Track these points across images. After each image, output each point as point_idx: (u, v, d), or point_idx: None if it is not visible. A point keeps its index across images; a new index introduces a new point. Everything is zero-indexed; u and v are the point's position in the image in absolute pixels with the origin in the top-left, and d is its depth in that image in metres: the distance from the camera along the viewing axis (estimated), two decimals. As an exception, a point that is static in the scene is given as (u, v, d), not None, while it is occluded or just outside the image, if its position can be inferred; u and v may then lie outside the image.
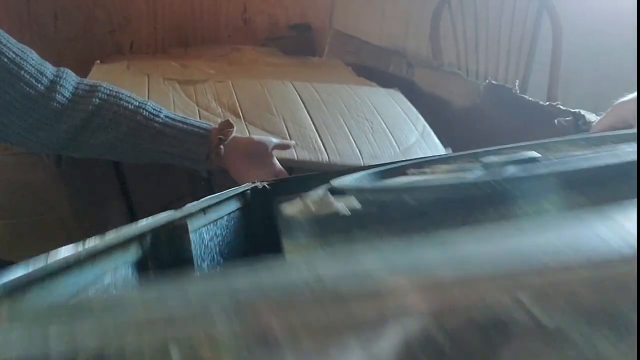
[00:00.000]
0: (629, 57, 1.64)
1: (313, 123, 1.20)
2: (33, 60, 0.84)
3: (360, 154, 1.11)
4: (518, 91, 1.43)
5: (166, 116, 0.92)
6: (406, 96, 1.73)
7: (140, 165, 1.10)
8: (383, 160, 1.09)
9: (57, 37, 1.82)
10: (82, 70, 1.82)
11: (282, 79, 1.47)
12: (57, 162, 1.01)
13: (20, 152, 1.02)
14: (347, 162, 1.07)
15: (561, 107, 1.31)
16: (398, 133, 1.23)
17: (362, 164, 1.07)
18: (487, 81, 1.51)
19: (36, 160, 1.00)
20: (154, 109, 0.92)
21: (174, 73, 1.51)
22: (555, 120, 1.27)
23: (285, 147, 1.02)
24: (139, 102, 0.91)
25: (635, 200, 0.32)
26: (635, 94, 0.72)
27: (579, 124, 1.23)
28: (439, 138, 1.52)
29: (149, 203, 1.46)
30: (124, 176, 1.27)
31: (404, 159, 0.62)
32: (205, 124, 0.95)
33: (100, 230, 1.07)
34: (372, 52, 1.85)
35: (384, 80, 1.78)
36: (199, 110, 1.20)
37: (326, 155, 1.08)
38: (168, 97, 1.24)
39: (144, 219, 0.45)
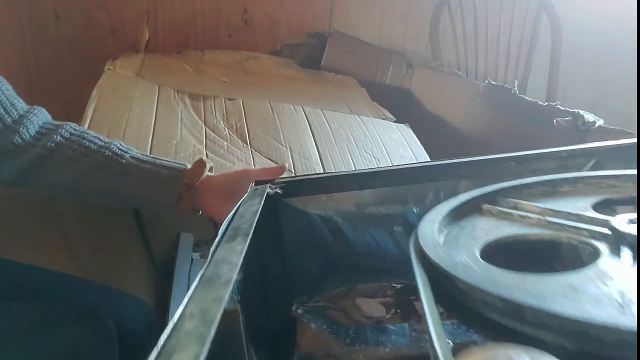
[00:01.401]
0: (628, 58, 1.65)
1: (320, 157, 1.20)
2: (7, 91, 0.82)
3: None
4: (517, 91, 1.43)
5: (132, 157, 0.86)
6: (403, 103, 1.74)
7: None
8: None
9: (58, 37, 1.82)
10: (84, 69, 1.83)
11: (294, 97, 1.47)
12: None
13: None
14: None
15: (560, 107, 1.32)
16: None
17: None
18: (486, 81, 1.51)
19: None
20: (119, 149, 0.85)
21: (187, 80, 1.51)
22: (554, 121, 1.28)
23: (274, 174, 0.91)
24: (104, 142, 0.85)
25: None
26: None
27: (578, 124, 1.24)
28: (437, 142, 1.53)
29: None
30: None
31: (470, 193, 0.54)
32: (178, 164, 0.87)
33: (107, 246, 1.05)
34: (371, 53, 1.86)
35: (381, 88, 1.79)
36: (205, 131, 1.20)
37: None
38: (176, 112, 1.25)
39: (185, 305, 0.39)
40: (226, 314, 0.38)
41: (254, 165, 1.10)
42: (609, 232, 0.41)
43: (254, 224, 0.53)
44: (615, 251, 0.40)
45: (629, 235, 0.40)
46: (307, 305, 0.70)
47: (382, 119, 1.49)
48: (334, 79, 1.75)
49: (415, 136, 1.42)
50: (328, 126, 1.34)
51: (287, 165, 0.97)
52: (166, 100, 1.29)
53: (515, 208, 0.50)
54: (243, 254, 0.46)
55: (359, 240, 0.73)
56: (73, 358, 0.76)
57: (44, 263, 0.98)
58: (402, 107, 1.76)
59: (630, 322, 0.31)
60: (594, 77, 1.94)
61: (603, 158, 0.65)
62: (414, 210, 0.72)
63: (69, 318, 0.79)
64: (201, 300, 0.38)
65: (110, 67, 1.52)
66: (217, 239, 0.50)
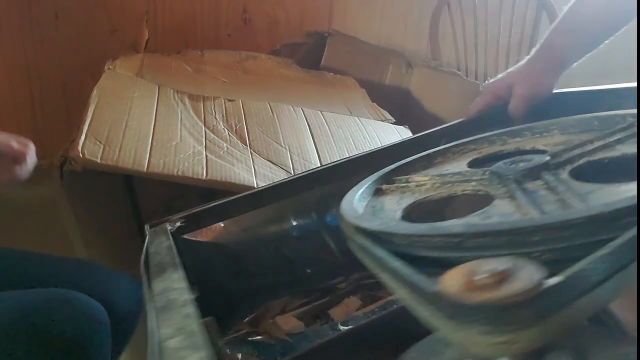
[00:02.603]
0: (628, 57, 1.64)
1: (319, 157, 1.20)
2: None
3: None
4: (517, 91, 1.43)
5: None
6: (402, 103, 1.73)
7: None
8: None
9: (58, 36, 1.82)
10: (83, 69, 1.83)
11: (294, 97, 1.47)
12: (60, 175, 1.02)
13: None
14: None
15: (560, 106, 1.32)
16: None
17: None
18: (486, 81, 1.51)
19: (42, 175, 1.02)
20: None
21: (186, 81, 1.51)
22: (554, 120, 1.28)
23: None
24: None
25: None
26: (503, 74, 0.86)
27: (578, 123, 1.24)
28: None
29: (152, 202, 1.47)
30: (130, 178, 1.27)
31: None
32: None
33: (106, 246, 1.05)
34: (371, 52, 1.86)
35: (380, 88, 1.79)
36: (205, 132, 1.20)
37: None
38: (176, 113, 1.24)
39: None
40: (205, 325, 0.37)
41: (253, 167, 1.11)
42: (491, 176, 0.49)
43: (176, 255, 0.53)
44: (502, 187, 0.47)
45: (507, 170, 0.48)
46: (228, 337, 0.70)
47: (382, 120, 1.49)
48: (334, 79, 1.75)
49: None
50: (327, 127, 1.34)
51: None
52: (166, 100, 1.28)
53: (408, 182, 0.57)
54: (184, 278, 0.45)
55: (255, 261, 0.75)
56: (63, 343, 0.76)
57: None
58: (401, 107, 1.76)
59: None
60: (594, 77, 1.94)
61: (451, 134, 0.77)
62: (295, 223, 0.77)
63: (57, 303, 0.79)
64: (170, 322, 0.35)
65: (110, 67, 1.52)
66: (144, 281, 0.48)
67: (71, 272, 0.92)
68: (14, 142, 0.88)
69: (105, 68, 1.51)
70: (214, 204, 0.70)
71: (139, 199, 1.38)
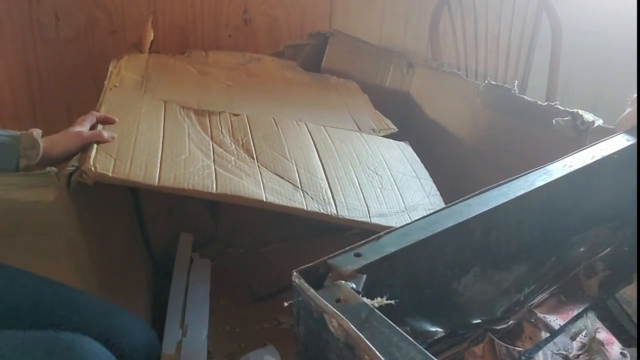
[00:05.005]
0: (628, 58, 1.66)
1: (324, 172, 1.21)
2: None
3: (368, 211, 1.12)
4: (517, 91, 1.44)
5: None
6: (403, 103, 1.74)
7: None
8: (389, 218, 1.11)
9: (58, 37, 1.82)
10: (83, 70, 1.83)
11: (297, 102, 1.50)
12: (67, 182, 1.03)
13: (30, 173, 1.03)
14: (354, 217, 1.09)
15: (560, 107, 1.33)
16: (406, 192, 1.24)
17: (369, 222, 1.09)
18: (486, 81, 1.52)
19: (47, 181, 1.02)
20: None
21: (192, 83, 1.52)
22: (554, 120, 1.29)
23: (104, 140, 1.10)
24: None
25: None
26: None
27: (577, 124, 1.25)
28: (436, 143, 1.53)
29: (155, 206, 1.47)
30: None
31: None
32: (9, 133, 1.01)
33: (109, 250, 1.05)
34: (372, 53, 1.86)
35: (381, 89, 1.79)
36: (213, 146, 1.21)
37: (334, 208, 1.09)
38: (183, 128, 1.25)
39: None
40: None
41: (262, 181, 1.12)
42: None
43: None
44: None
45: None
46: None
47: (384, 129, 1.50)
48: (337, 83, 1.76)
49: (415, 154, 1.43)
50: (331, 142, 1.35)
51: (112, 137, 1.13)
52: (172, 116, 1.29)
53: None
54: None
55: None
56: None
57: (44, 264, 0.98)
58: (402, 107, 1.77)
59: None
60: (594, 76, 1.95)
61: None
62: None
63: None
64: None
65: (114, 67, 1.52)
66: None
67: (87, 314, 0.91)
68: (105, 134, 1.11)
69: (110, 68, 1.51)
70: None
71: (141, 203, 1.39)
